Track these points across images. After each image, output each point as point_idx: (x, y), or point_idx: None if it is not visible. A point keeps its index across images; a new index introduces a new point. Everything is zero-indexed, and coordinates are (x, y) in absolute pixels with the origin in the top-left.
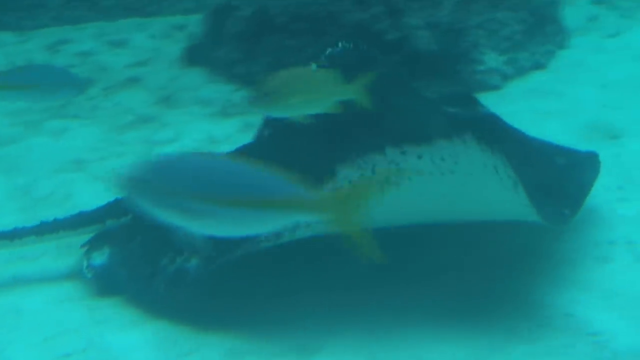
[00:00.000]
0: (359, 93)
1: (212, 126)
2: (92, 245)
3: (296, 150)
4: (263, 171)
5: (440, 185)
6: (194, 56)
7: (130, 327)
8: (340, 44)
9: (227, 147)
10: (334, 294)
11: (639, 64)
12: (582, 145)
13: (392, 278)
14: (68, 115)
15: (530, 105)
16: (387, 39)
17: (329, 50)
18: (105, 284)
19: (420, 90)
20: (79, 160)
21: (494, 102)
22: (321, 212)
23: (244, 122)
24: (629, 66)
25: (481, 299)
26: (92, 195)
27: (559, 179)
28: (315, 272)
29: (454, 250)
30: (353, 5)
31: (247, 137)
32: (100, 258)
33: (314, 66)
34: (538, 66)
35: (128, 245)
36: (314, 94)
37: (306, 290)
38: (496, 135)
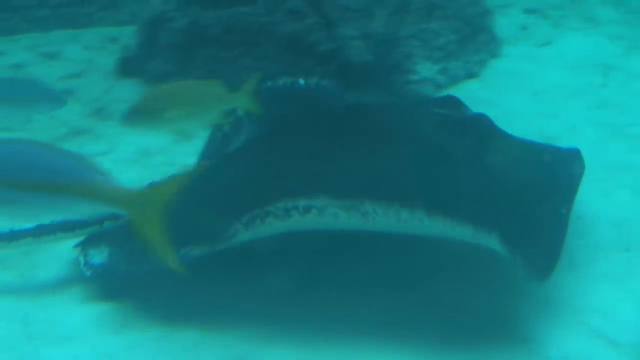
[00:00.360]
0: (246, 101)
1: (146, 138)
2: (88, 244)
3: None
4: (67, 157)
5: None
6: (128, 68)
7: None
8: (281, 80)
9: (161, 159)
10: (274, 302)
11: (570, 72)
12: None
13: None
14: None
15: None
16: (322, 49)
17: (269, 82)
18: (105, 281)
19: None
20: None
21: None
22: (120, 205)
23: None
24: (559, 74)
25: (436, 313)
26: None
27: (547, 174)
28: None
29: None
30: (287, 17)
31: (182, 149)
32: (99, 257)
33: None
34: (471, 75)
35: (129, 244)
36: (197, 106)
37: (246, 297)
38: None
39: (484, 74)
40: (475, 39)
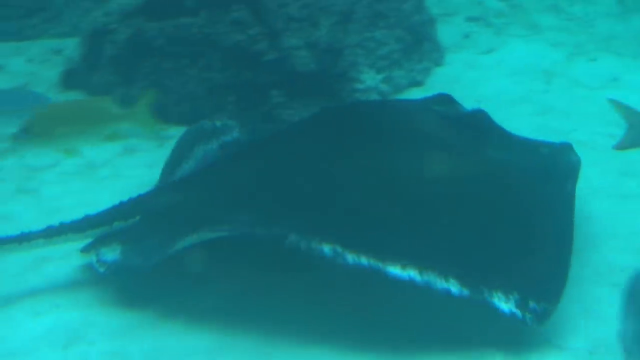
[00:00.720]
0: (138, 118)
1: (91, 151)
2: (99, 244)
3: None
4: None
5: None
6: (72, 80)
7: None
8: (218, 122)
9: (106, 172)
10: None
11: (512, 79)
12: None
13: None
14: None
15: None
16: (266, 59)
17: (207, 123)
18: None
19: None
20: None
21: None
22: None
23: (123, 146)
24: (502, 82)
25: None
26: None
27: (548, 163)
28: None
29: None
30: (231, 27)
31: (128, 161)
32: (111, 254)
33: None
34: (415, 83)
35: (142, 241)
36: (88, 124)
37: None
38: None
39: (428, 82)
40: (419, 48)
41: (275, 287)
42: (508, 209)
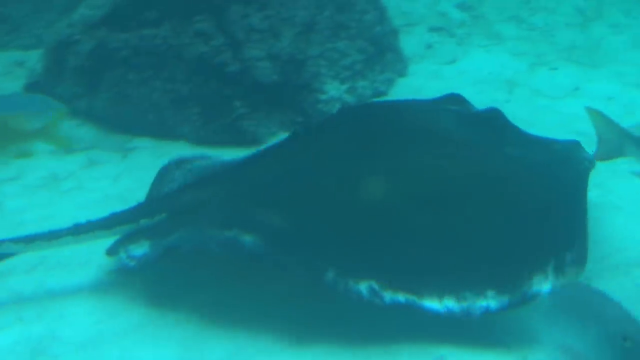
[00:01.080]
0: (47, 137)
1: (55, 163)
2: (126, 241)
3: None
4: None
5: None
6: (35, 92)
7: None
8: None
9: (71, 184)
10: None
11: (475, 89)
12: None
13: None
14: None
15: None
16: (229, 71)
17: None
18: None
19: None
20: None
21: None
22: None
23: (88, 158)
24: (465, 91)
25: None
26: None
27: (562, 158)
28: None
29: None
30: (194, 39)
31: (92, 174)
32: (140, 249)
33: None
34: (379, 94)
35: (170, 236)
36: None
37: None
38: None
39: (392, 93)
40: (382, 58)
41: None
42: (534, 206)
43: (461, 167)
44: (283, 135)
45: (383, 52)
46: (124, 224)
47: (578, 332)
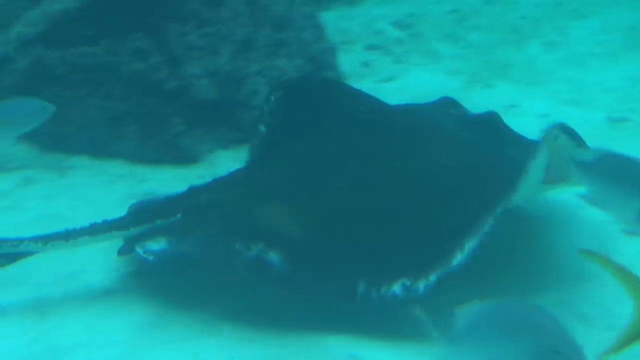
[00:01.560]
0: None
1: None
2: (143, 239)
3: None
4: None
5: None
6: None
7: None
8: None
9: (5, 204)
10: None
11: None
12: None
13: None
14: None
15: None
16: (167, 88)
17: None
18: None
19: None
20: None
21: None
22: None
23: (23, 177)
24: None
25: None
26: None
27: None
28: None
29: None
30: (132, 56)
31: (28, 193)
32: (157, 245)
33: None
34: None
35: (189, 234)
36: None
37: None
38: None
39: None
40: None
41: None
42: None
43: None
44: (222, 153)
45: (321, 70)
46: (140, 224)
47: (508, 344)
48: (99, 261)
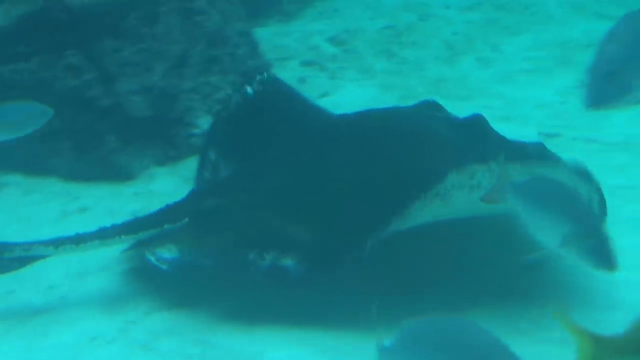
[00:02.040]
0: None
1: None
2: (152, 245)
3: None
4: None
5: None
6: None
7: None
8: None
9: None
10: None
11: None
12: None
13: None
14: None
15: None
16: (101, 104)
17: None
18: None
19: None
20: None
21: None
22: None
23: None
24: None
25: None
26: None
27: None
28: None
29: None
30: (64, 72)
31: None
32: (168, 253)
33: None
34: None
35: (200, 244)
36: None
37: None
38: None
39: None
40: None
41: None
42: None
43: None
44: (157, 170)
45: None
46: (148, 228)
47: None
48: None
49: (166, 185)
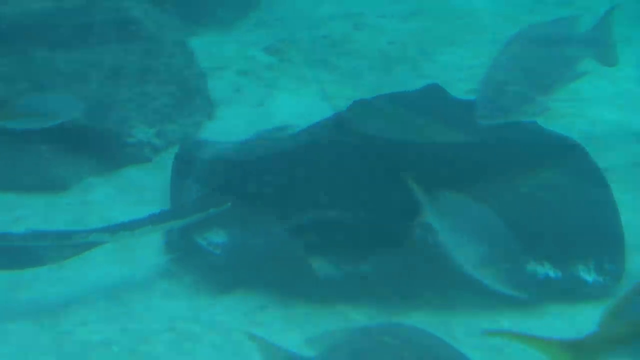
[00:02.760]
0: None
1: None
2: (201, 230)
3: None
4: None
5: None
6: None
7: None
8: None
9: None
10: None
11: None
12: None
13: None
14: None
15: None
16: None
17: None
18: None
19: None
20: None
21: (147, 173)
22: None
23: None
24: None
25: None
26: None
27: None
28: None
29: None
30: None
31: None
32: (218, 237)
33: None
34: (187, 137)
35: (247, 224)
36: None
37: None
38: None
39: (202, 135)
40: (190, 102)
41: None
42: None
43: None
44: (92, 180)
45: (192, 96)
46: (195, 212)
47: None
48: None
49: (101, 195)
